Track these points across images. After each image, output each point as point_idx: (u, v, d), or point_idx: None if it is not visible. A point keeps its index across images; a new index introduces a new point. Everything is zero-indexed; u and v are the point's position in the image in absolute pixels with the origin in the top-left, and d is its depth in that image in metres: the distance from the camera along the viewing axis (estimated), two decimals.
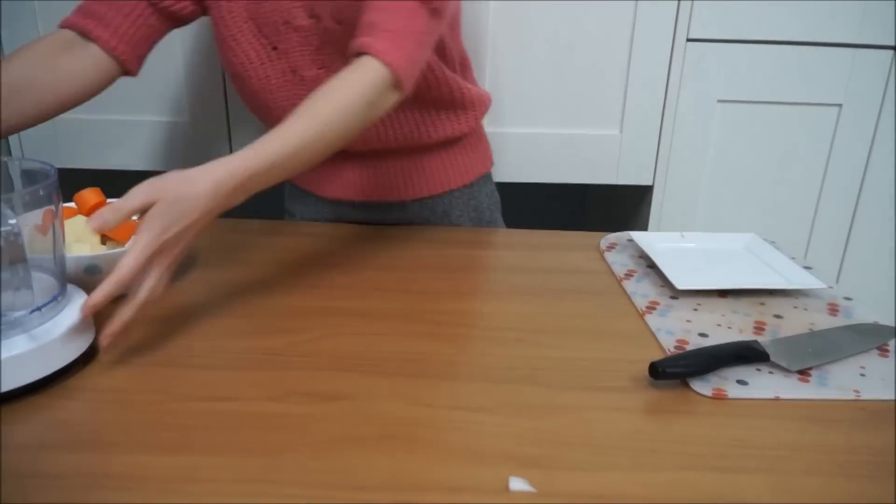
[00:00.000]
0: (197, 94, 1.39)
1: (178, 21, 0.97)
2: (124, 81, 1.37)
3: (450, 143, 1.09)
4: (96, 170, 1.45)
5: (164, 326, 0.74)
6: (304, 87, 0.97)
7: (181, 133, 1.42)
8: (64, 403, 0.60)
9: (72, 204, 0.85)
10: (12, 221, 0.60)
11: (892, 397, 0.66)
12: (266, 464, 0.54)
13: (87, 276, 0.75)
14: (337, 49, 0.95)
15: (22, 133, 1.41)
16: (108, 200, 0.85)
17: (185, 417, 0.60)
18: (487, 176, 1.18)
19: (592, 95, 1.41)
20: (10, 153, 1.42)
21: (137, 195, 0.66)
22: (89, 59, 0.91)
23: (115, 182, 1.65)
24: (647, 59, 1.38)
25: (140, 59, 0.96)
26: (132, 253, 0.63)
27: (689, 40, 1.36)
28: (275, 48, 0.96)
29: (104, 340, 0.65)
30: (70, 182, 1.55)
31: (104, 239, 0.82)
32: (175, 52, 1.36)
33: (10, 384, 0.59)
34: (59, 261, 0.66)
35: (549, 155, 1.44)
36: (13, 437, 0.56)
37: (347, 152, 1.04)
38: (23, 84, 0.86)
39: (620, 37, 1.36)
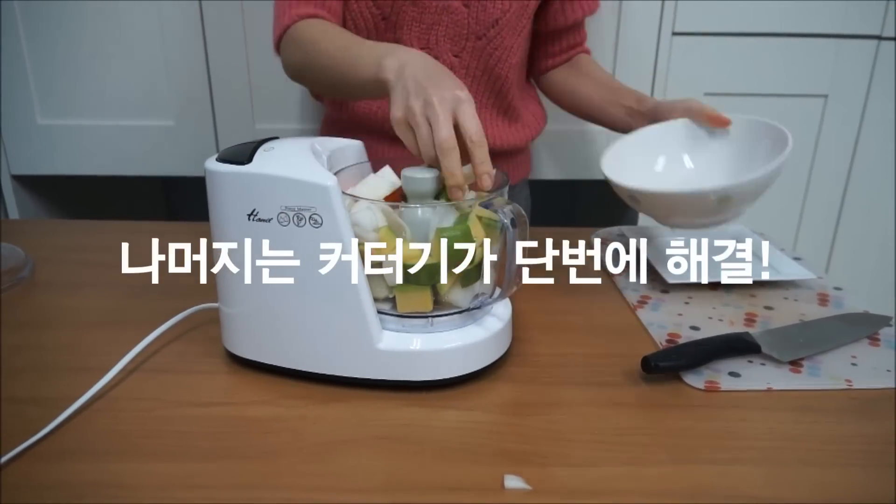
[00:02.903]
0: (182, 98, 1.39)
1: None
2: (109, 86, 1.37)
3: (503, 153, 1.10)
4: (82, 176, 1.44)
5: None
6: None
7: (167, 137, 1.41)
8: (55, 413, 0.59)
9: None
10: None
11: (884, 385, 0.66)
12: (261, 468, 0.54)
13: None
14: (448, 34, 0.96)
15: (7, 141, 1.40)
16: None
17: (179, 423, 0.59)
18: (526, 181, 1.22)
19: None
20: None
21: None
22: None
23: (102, 188, 1.64)
24: (633, 53, 1.38)
25: None
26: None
27: (674, 34, 1.36)
28: (384, 18, 0.96)
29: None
30: (57, 188, 1.55)
31: None
32: (158, 55, 1.35)
33: None
34: None
35: (537, 151, 1.44)
36: (7, 446, 0.55)
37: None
38: None
39: (607, 32, 1.36)
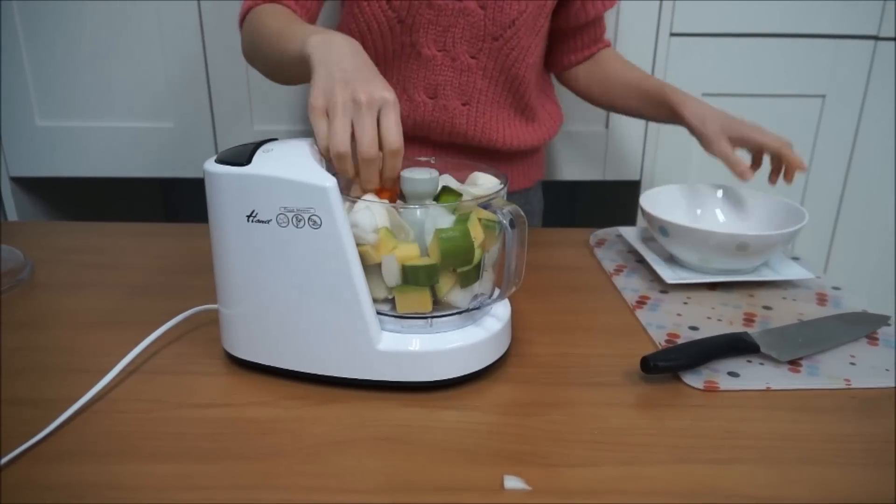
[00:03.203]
0: (181, 99, 1.39)
1: None
2: (108, 88, 1.37)
3: (519, 153, 1.11)
4: (81, 177, 1.44)
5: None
6: (420, 64, 0.98)
7: (166, 139, 1.41)
8: (55, 414, 0.59)
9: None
10: None
11: (883, 385, 0.66)
12: (260, 469, 0.54)
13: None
14: (464, 35, 0.96)
15: (5, 143, 1.40)
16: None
17: (178, 425, 0.59)
18: (540, 183, 1.22)
19: None
20: None
21: None
22: None
23: (100, 190, 1.64)
24: (631, 54, 1.38)
25: None
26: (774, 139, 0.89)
27: (672, 35, 1.37)
28: (400, 21, 0.96)
29: None
30: (56, 190, 1.55)
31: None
32: (157, 57, 1.35)
33: None
34: None
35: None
36: (6, 447, 0.55)
37: (428, 139, 1.05)
38: None
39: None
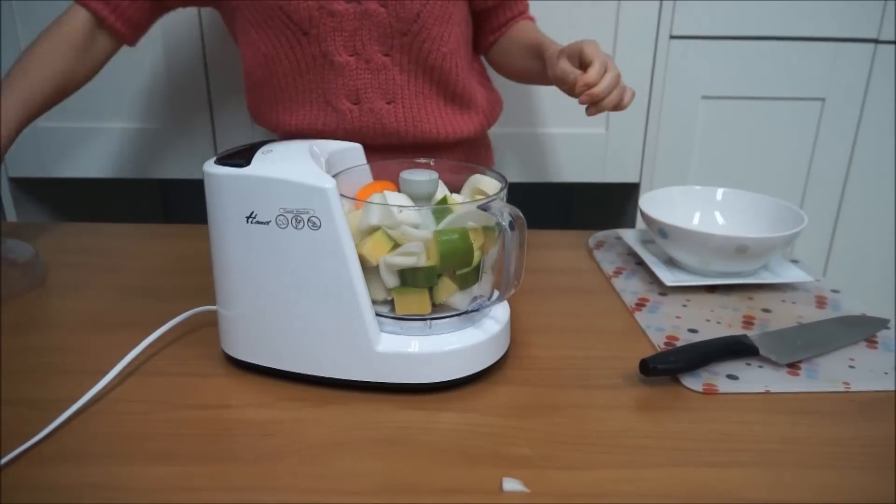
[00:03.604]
0: (179, 100, 1.39)
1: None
2: (105, 89, 1.37)
3: (460, 143, 1.09)
4: (80, 178, 1.44)
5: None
6: (335, 72, 0.97)
7: (165, 140, 1.41)
8: (54, 415, 0.59)
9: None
10: None
11: (882, 388, 0.66)
12: (259, 471, 0.54)
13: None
14: (372, 36, 0.95)
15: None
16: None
17: (177, 426, 0.59)
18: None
19: None
20: None
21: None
22: (105, 45, 1.01)
23: (99, 191, 1.64)
24: (630, 56, 1.38)
25: (141, 37, 1.04)
26: (596, 49, 0.79)
27: (672, 37, 1.37)
28: (305, 34, 0.95)
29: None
30: (55, 191, 1.55)
31: None
32: (156, 57, 1.35)
33: None
34: None
35: (535, 154, 1.45)
36: (5, 448, 0.55)
37: (363, 145, 1.04)
38: (67, 79, 0.98)
39: (604, 35, 1.36)
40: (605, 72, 0.82)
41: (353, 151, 0.73)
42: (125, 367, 0.66)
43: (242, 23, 0.98)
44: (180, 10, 1.05)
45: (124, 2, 0.97)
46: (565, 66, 0.87)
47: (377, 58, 0.97)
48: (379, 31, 0.95)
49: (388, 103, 1.00)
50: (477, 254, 0.63)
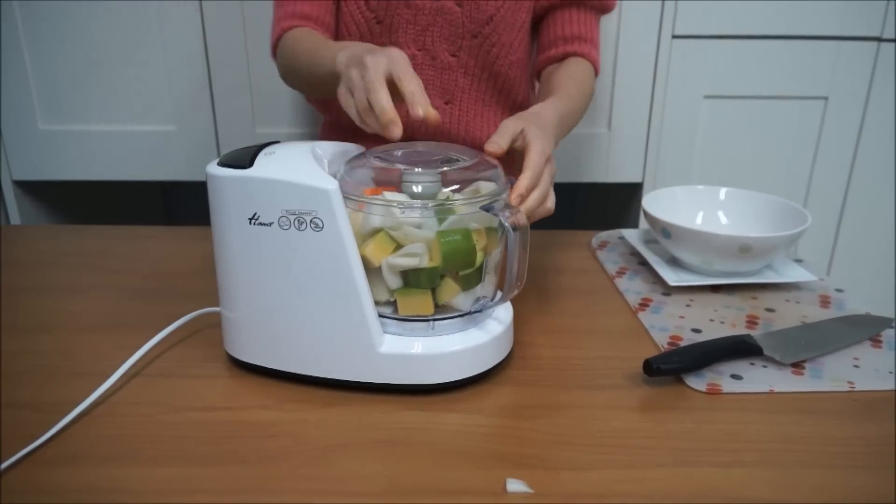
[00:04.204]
0: (183, 102, 1.39)
1: None
2: (110, 91, 1.37)
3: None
4: (83, 181, 1.44)
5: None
6: None
7: (168, 142, 1.41)
8: (56, 418, 0.59)
9: None
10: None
11: (886, 387, 0.66)
12: (262, 472, 0.54)
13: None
14: (443, 34, 0.96)
15: (8, 147, 1.40)
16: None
17: (180, 428, 0.59)
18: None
19: None
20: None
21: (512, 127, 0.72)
22: None
23: (102, 193, 1.64)
24: (633, 56, 1.38)
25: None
26: (539, 154, 0.69)
27: (674, 37, 1.37)
28: (379, 22, 0.96)
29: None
30: (58, 194, 1.55)
31: None
32: (159, 60, 1.36)
33: None
34: None
35: None
36: (7, 451, 0.55)
37: (412, 139, 1.03)
38: None
39: (606, 35, 1.36)
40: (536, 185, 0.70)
41: (355, 153, 0.73)
42: (128, 370, 0.66)
43: None
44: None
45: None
46: (508, 126, 0.73)
47: (444, 56, 0.98)
48: (450, 30, 0.96)
49: (446, 103, 1.01)
50: (480, 254, 0.63)
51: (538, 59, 1.06)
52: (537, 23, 1.05)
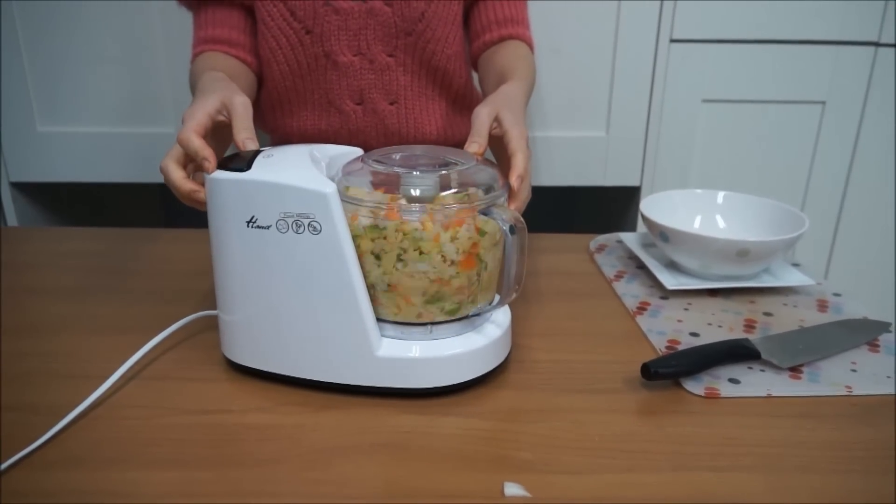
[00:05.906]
0: (181, 105, 1.38)
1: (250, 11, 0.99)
2: (108, 93, 1.37)
3: (460, 146, 1.07)
4: (81, 183, 1.44)
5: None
6: (339, 73, 0.97)
7: (167, 144, 1.41)
8: (55, 420, 0.59)
9: None
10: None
11: (884, 392, 0.66)
12: (259, 475, 0.54)
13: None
14: (377, 35, 0.95)
15: (6, 149, 1.40)
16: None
17: (177, 431, 0.59)
18: None
19: (578, 97, 1.41)
20: None
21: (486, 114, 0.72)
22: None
23: (100, 195, 1.64)
24: (631, 60, 1.38)
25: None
26: (520, 138, 0.69)
27: (672, 41, 1.37)
28: (308, 32, 0.95)
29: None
30: (56, 195, 1.55)
31: None
32: (158, 61, 1.36)
33: None
34: None
35: (535, 158, 1.45)
36: (6, 453, 0.55)
37: (366, 145, 1.02)
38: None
39: (604, 38, 1.37)
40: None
41: (353, 156, 0.73)
42: (126, 372, 0.66)
43: None
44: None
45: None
46: (482, 118, 0.72)
47: (381, 58, 0.97)
48: (384, 31, 0.95)
49: (391, 104, 1.00)
50: (478, 258, 0.63)
51: (473, 45, 1.05)
52: (467, 11, 1.04)
